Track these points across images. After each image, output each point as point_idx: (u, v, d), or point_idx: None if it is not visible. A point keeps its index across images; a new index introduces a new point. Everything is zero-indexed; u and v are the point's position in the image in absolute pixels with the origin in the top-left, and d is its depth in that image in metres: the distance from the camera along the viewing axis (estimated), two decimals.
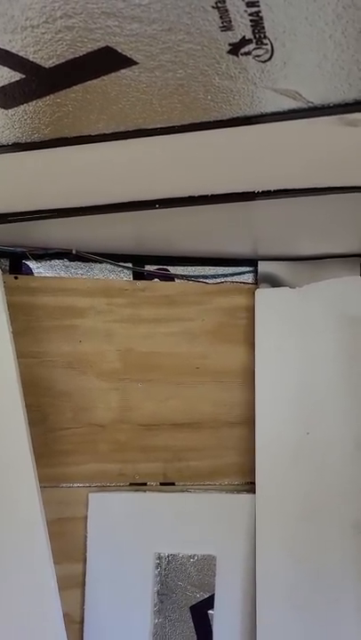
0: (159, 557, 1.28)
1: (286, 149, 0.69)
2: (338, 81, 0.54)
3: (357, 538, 1.21)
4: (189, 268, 1.35)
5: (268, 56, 0.49)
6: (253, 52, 0.49)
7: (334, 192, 0.82)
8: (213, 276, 1.36)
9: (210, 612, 1.26)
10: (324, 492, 1.25)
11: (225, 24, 0.45)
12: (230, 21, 0.45)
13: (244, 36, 0.47)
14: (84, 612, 1.24)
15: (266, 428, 1.29)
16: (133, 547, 1.27)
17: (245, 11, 0.44)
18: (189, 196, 0.88)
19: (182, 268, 1.35)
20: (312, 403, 1.29)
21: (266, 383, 1.30)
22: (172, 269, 1.35)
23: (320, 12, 0.44)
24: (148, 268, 1.34)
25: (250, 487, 1.30)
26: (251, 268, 1.37)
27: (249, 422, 1.32)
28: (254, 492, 1.27)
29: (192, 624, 1.26)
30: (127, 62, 0.51)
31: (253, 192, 0.86)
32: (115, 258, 1.30)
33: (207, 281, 1.35)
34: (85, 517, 1.27)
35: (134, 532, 1.28)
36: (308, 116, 0.57)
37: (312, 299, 1.29)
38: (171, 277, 1.35)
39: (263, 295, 1.32)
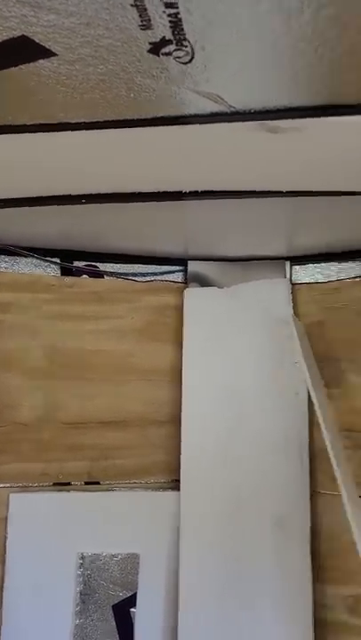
0: (82, 557, 1.26)
1: (211, 152, 0.70)
2: (259, 87, 0.55)
3: (277, 533, 1.25)
4: (119, 265, 1.34)
5: (188, 58, 0.49)
6: (174, 54, 0.49)
7: (258, 196, 0.83)
8: (143, 274, 1.35)
9: (132, 610, 1.26)
10: (249, 489, 1.28)
11: (144, 23, 0.45)
12: (150, 20, 0.44)
13: (164, 37, 0.46)
14: (1, 616, 1.21)
15: (192, 426, 1.31)
16: (56, 547, 1.25)
17: (164, 11, 0.43)
18: (116, 193, 0.87)
19: (112, 265, 1.34)
20: (239, 401, 1.31)
21: (193, 381, 1.32)
22: (102, 266, 1.33)
23: (240, 17, 0.44)
24: (77, 264, 1.31)
25: (176, 485, 1.31)
26: (181, 268, 1.37)
27: (177, 421, 1.32)
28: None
29: (114, 623, 1.26)
30: (45, 53, 0.50)
31: (181, 192, 0.86)
32: (42, 252, 1.27)
33: (137, 279, 1.35)
34: (5, 518, 1.23)
35: (57, 533, 1.26)
36: (229, 120, 0.57)
37: (239, 299, 1.31)
38: (100, 274, 1.33)
39: (192, 294, 1.33)
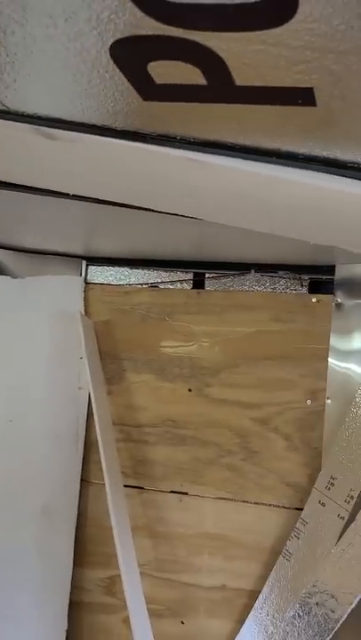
0: None
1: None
2: (30, 92, 0.59)
3: (44, 521, 1.29)
4: None
5: None
6: None
7: (48, 194, 0.87)
8: None
9: None
10: (20, 479, 1.30)
11: None
12: None
13: None
14: None
15: None
16: None
17: None
18: None
19: None
20: (19, 392, 1.33)
21: None
22: None
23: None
24: None
25: None
26: None
27: None
28: None
29: None
30: None
31: None
32: None
33: None
34: None
35: None
36: (4, 117, 0.60)
37: (32, 291, 1.33)
38: None
39: None
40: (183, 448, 1.30)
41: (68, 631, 1.26)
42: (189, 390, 1.31)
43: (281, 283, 1.29)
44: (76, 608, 1.30)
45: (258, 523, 1.25)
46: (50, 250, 1.34)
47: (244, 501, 1.26)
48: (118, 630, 1.29)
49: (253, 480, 1.26)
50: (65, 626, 1.26)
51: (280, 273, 1.28)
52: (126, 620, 1.29)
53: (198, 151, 0.60)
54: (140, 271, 1.37)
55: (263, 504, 1.25)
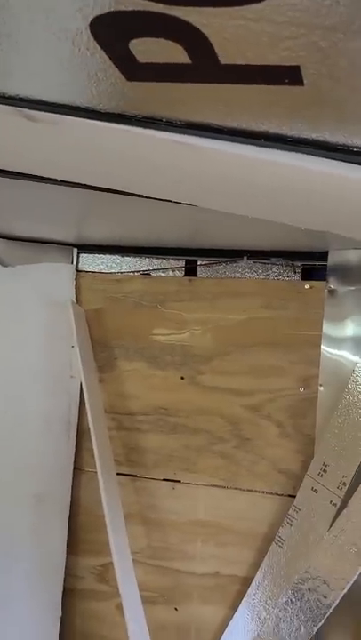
0: None
1: None
2: (10, 73, 0.57)
3: (37, 510, 1.29)
4: None
5: None
6: None
7: (36, 180, 0.85)
8: None
9: None
10: (12, 468, 1.29)
11: None
12: None
13: None
14: None
15: None
16: None
17: None
18: None
19: None
20: (11, 381, 1.32)
21: None
22: None
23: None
24: None
25: None
26: None
27: None
28: None
29: None
30: None
31: None
32: None
33: None
34: None
35: None
36: None
37: (23, 280, 1.32)
38: None
39: None
40: (175, 436, 1.30)
41: (62, 618, 1.26)
42: (182, 378, 1.31)
43: (273, 269, 1.28)
44: (69, 595, 1.30)
45: (250, 510, 1.25)
46: (40, 237, 1.33)
47: (236, 489, 1.26)
48: (111, 617, 1.30)
49: (246, 467, 1.26)
50: (59, 613, 1.26)
51: (273, 260, 1.27)
52: (120, 607, 1.29)
53: (185, 134, 0.59)
54: (131, 259, 1.36)
55: (256, 491, 1.25)
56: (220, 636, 1.21)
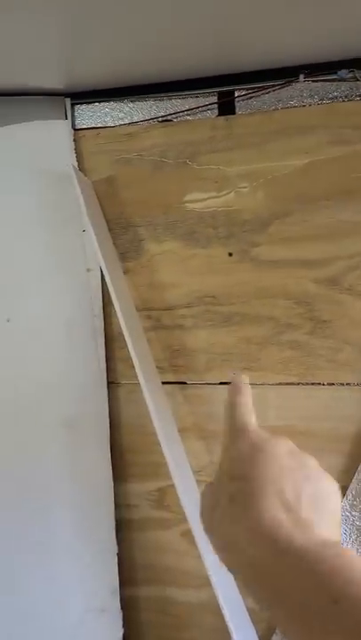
0: None
1: None
2: None
3: (70, 434, 1.05)
4: None
5: None
6: None
7: None
8: None
9: None
10: (31, 388, 1.04)
11: None
12: None
13: None
14: None
15: None
16: None
17: None
18: None
19: None
20: (11, 283, 1.03)
21: None
22: None
23: None
24: None
25: None
26: None
27: None
28: None
29: None
30: None
31: None
32: None
33: None
34: None
35: None
36: None
37: (4, 147, 0.99)
38: None
39: None
40: (230, 329, 1.02)
41: (118, 554, 1.07)
42: (230, 255, 1.00)
43: (342, 88, 0.92)
44: (124, 528, 1.10)
45: (334, 407, 1.00)
46: (17, 86, 0.97)
47: (313, 384, 1.00)
48: (176, 546, 1.10)
49: (325, 357, 0.99)
50: (115, 549, 1.06)
51: (341, 73, 0.91)
52: (185, 534, 1.09)
53: None
54: (144, 103, 1.01)
55: (340, 384, 0.99)
56: None
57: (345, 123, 0.92)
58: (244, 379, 0.52)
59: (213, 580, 0.89)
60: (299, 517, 0.35)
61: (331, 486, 0.40)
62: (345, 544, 0.97)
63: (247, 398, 0.50)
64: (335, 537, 0.36)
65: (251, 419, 0.48)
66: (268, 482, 0.37)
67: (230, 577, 0.98)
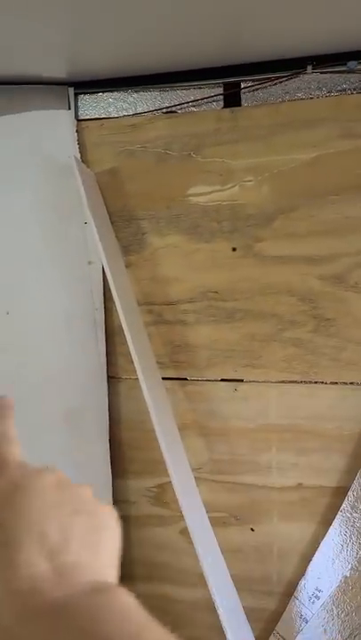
0: None
1: None
2: None
3: (69, 429, 1.04)
4: None
5: None
6: None
7: None
8: None
9: None
10: (30, 381, 1.03)
11: None
12: None
13: None
14: None
15: None
16: None
17: None
18: None
19: None
20: (11, 275, 1.02)
21: None
22: None
23: None
24: None
25: None
26: None
27: None
28: None
29: None
30: None
31: None
32: None
33: None
34: None
35: None
36: None
37: (6, 137, 0.97)
38: None
39: None
40: (232, 325, 1.01)
41: None
42: (233, 250, 0.99)
43: (352, 80, 0.90)
44: (122, 524, 1.09)
45: (337, 406, 0.98)
46: (18, 74, 0.96)
47: (317, 382, 0.98)
48: (175, 543, 1.09)
49: (328, 355, 0.97)
50: None
51: (350, 64, 0.89)
52: (184, 532, 1.08)
53: None
54: (149, 93, 0.99)
55: (343, 383, 0.97)
56: (311, 558, 0.99)
57: (354, 116, 0.90)
58: (9, 400, 0.40)
59: (210, 580, 0.87)
60: (64, 563, 0.30)
61: (106, 518, 0.34)
62: (345, 545, 0.96)
63: (8, 423, 0.39)
64: (110, 576, 0.31)
65: (13, 449, 0.37)
66: (28, 526, 0.30)
67: (227, 576, 0.97)
